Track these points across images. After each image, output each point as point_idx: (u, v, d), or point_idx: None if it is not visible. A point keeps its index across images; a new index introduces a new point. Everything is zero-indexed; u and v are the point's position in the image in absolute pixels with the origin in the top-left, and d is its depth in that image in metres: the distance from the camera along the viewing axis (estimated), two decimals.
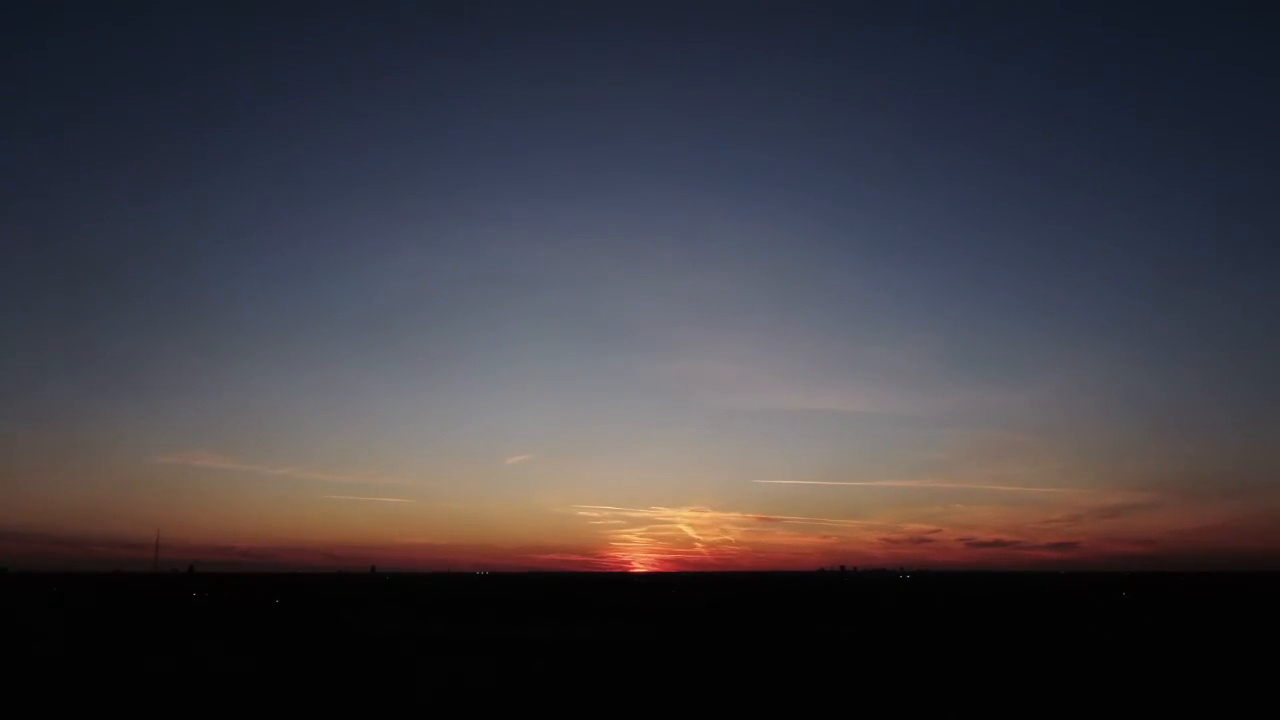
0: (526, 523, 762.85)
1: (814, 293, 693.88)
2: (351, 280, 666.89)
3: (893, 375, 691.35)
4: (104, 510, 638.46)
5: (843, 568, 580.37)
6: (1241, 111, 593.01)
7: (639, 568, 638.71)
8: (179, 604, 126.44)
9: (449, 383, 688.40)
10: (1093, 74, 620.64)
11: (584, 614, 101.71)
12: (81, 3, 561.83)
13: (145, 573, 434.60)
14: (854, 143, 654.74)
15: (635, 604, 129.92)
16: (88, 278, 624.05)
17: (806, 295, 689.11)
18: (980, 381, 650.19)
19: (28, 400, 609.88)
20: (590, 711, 34.14)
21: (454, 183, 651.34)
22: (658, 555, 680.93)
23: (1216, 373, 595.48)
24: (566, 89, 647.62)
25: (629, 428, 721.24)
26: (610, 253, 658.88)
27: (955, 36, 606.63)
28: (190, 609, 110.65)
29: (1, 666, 46.87)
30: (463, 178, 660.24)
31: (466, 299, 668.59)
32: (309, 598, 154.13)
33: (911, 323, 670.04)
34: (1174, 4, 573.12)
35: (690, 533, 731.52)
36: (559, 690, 38.94)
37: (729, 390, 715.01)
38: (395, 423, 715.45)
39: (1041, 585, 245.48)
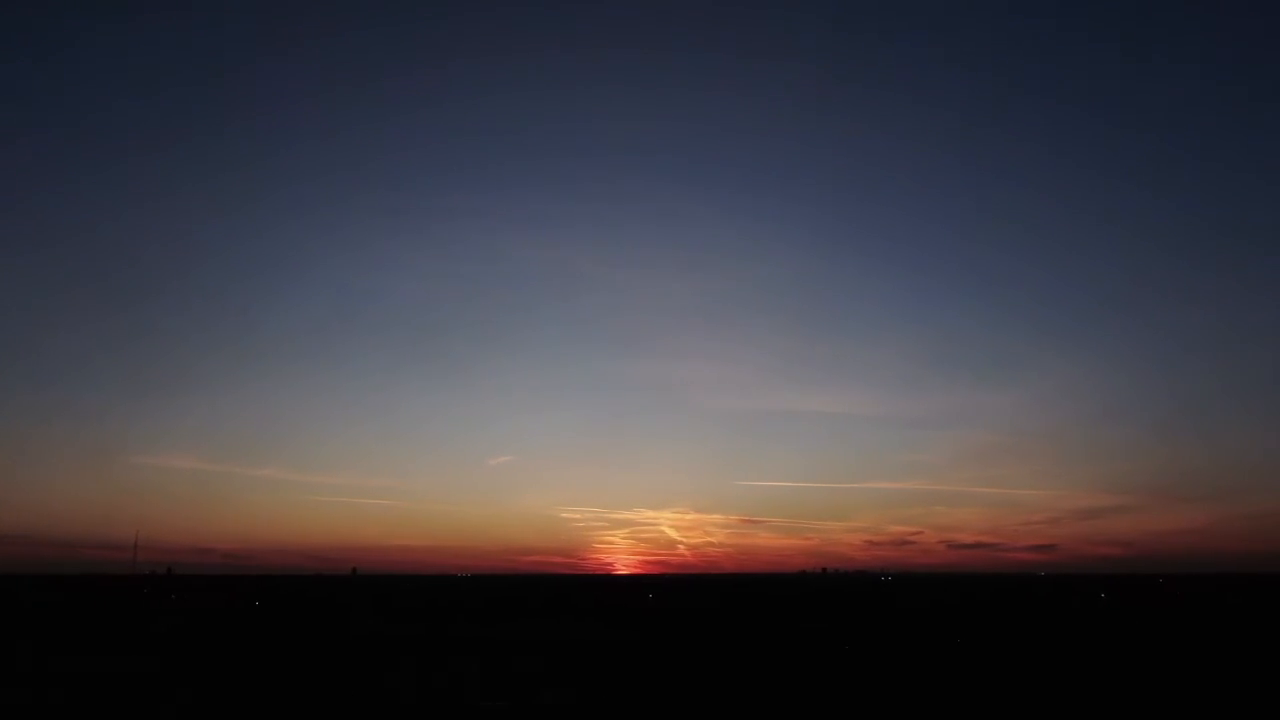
0: (509, 524, 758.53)
1: (798, 296, 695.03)
2: (335, 284, 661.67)
3: (875, 378, 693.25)
4: (82, 512, 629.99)
5: (824, 569, 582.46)
6: (1220, 120, 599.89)
7: (622, 570, 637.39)
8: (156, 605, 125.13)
9: (430, 384, 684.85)
10: (1075, 83, 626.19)
11: (568, 615, 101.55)
12: None
13: (124, 574, 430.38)
14: (842, 149, 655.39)
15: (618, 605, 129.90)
16: (77, 281, 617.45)
17: (791, 298, 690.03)
18: (962, 385, 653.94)
19: (20, 400, 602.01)
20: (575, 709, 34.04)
21: (443, 184, 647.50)
22: (640, 557, 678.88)
23: (1193, 379, 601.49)
24: (558, 93, 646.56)
25: (611, 429, 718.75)
26: (596, 255, 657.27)
27: (944, 47, 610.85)
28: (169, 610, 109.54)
29: None
30: (452, 179, 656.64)
31: (448, 301, 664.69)
32: (290, 600, 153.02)
33: (894, 326, 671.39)
34: (1155, 15, 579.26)
35: (673, 535, 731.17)
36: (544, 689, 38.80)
37: (712, 392, 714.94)
38: (376, 424, 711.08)
39: (1025, 586, 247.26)
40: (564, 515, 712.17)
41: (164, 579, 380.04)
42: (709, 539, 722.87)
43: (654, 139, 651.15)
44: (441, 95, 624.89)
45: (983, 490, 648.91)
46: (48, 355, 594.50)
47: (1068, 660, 50.16)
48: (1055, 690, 38.88)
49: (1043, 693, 38.31)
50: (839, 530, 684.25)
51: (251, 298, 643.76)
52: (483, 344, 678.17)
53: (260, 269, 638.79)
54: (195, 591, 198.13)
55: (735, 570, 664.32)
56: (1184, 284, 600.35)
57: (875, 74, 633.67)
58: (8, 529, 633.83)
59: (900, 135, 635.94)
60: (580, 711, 34.35)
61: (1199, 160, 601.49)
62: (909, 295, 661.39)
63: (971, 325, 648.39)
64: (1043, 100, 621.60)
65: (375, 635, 69.90)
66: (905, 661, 50.05)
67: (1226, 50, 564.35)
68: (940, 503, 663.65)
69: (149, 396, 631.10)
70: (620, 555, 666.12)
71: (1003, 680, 41.82)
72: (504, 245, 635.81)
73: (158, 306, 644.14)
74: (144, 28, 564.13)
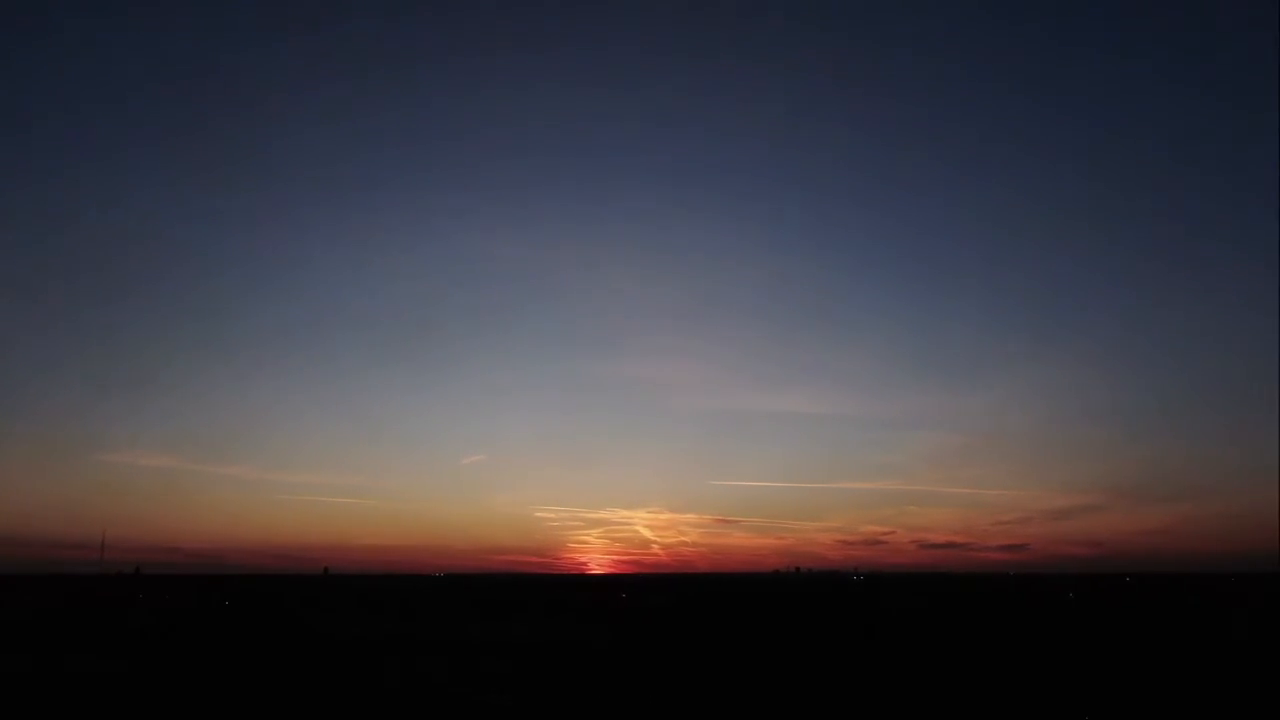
0: (483, 524, 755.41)
1: (773, 297, 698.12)
2: (309, 282, 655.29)
3: (850, 379, 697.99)
4: (48, 511, 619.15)
5: (798, 569, 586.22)
6: (1195, 123, 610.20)
7: (596, 569, 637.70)
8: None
9: (403, 382, 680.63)
10: (1050, 83, 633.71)
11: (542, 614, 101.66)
12: None
13: (91, 574, 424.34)
14: (814, 153, 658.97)
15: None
16: (46, 278, 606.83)
17: (766, 300, 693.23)
18: (935, 386, 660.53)
19: None
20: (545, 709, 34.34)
21: (422, 183, 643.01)
22: (615, 557, 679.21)
23: (1162, 380, 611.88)
24: (542, 94, 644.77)
25: (586, 429, 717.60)
26: (572, 255, 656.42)
27: (914, 47, 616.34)
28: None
29: None
30: (432, 179, 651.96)
31: (422, 299, 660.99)
32: (258, 599, 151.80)
33: (868, 328, 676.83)
34: (1132, 17, 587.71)
35: (647, 534, 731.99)
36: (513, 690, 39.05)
37: (686, 392, 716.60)
38: (348, 422, 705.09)
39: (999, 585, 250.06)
40: (538, 515, 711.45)
41: (132, 578, 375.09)
42: (683, 539, 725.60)
43: (632, 141, 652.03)
44: (426, 94, 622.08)
45: (954, 490, 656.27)
46: (15, 352, 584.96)
47: (1038, 659, 51.12)
48: (1032, 691, 39.70)
49: (1019, 693, 39.11)
50: (812, 530, 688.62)
51: (223, 295, 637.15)
52: (457, 343, 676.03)
53: (231, 266, 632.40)
54: (164, 591, 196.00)
55: (709, 570, 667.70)
56: (1156, 286, 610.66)
57: (851, 76, 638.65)
58: None
59: (875, 137, 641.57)
60: (542, 714, 34.69)
61: (1174, 162, 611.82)
62: (883, 297, 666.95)
63: (944, 327, 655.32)
64: (1019, 101, 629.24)
65: (341, 638, 69.71)
66: (882, 664, 50.80)
67: (1206, 53, 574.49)
68: (912, 503, 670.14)
69: (117, 394, 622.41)
70: (594, 555, 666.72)
71: (974, 679, 42.62)
72: (480, 245, 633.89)
73: (127, 304, 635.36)
74: (123, 25, 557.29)
